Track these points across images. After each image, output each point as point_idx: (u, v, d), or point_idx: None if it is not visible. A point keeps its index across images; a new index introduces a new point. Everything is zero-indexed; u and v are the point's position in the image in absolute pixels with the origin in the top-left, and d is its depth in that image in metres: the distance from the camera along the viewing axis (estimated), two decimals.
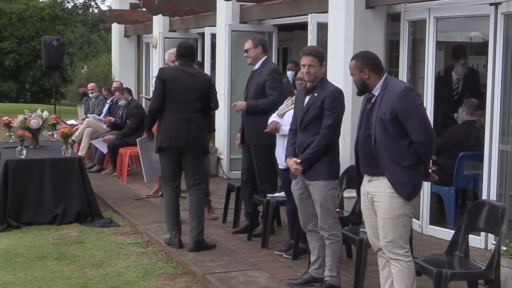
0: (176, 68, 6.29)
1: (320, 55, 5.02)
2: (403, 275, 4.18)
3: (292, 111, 5.57)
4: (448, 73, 7.55)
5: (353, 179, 4.66)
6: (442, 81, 7.32)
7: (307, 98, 5.03)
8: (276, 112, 5.95)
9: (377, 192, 4.21)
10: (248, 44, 6.48)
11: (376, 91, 4.23)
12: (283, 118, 5.75)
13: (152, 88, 12.17)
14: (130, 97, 10.72)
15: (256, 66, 6.49)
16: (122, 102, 10.65)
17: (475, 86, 7.36)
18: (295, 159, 4.98)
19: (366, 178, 4.33)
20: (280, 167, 5.86)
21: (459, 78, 7.38)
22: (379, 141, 4.12)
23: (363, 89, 4.29)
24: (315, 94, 4.98)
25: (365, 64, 4.25)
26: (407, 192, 4.11)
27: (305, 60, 4.98)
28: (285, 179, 5.84)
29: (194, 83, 6.14)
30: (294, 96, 5.76)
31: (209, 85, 6.38)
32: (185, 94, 6.10)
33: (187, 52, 6.27)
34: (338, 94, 4.97)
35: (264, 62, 6.46)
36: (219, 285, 5.19)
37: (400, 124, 4.08)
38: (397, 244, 4.17)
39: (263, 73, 6.38)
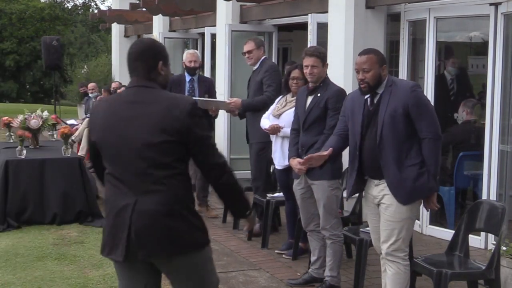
0: None
1: (322, 55, 5.03)
2: (399, 277, 4.14)
3: (288, 111, 5.57)
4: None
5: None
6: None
7: (310, 98, 5.03)
8: (269, 112, 5.90)
9: (385, 194, 4.12)
10: (250, 46, 6.55)
11: (380, 89, 4.11)
12: (279, 118, 5.71)
13: None
14: None
15: (256, 66, 6.57)
16: None
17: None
18: (298, 159, 4.96)
19: (372, 181, 4.22)
20: (277, 167, 5.84)
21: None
22: (386, 139, 4.01)
23: (376, 85, 4.09)
24: (318, 94, 4.98)
25: (384, 60, 4.13)
26: (404, 195, 4.03)
27: (308, 61, 4.98)
28: (282, 180, 5.84)
29: None
30: (286, 96, 5.77)
31: None
32: None
33: None
34: (341, 94, 4.96)
35: (263, 61, 6.56)
36: (219, 285, 5.17)
37: (409, 121, 3.99)
38: (399, 247, 4.13)
39: (261, 71, 6.47)
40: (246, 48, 6.57)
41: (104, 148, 3.05)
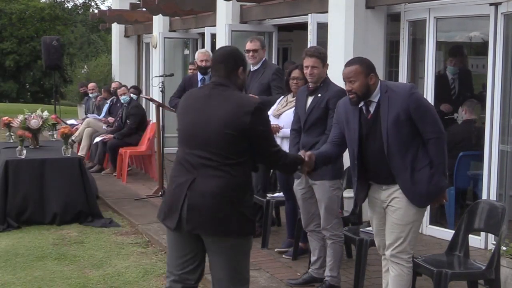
0: None
1: (323, 56, 5.03)
2: (402, 280, 4.13)
3: (288, 112, 5.58)
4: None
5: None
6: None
7: (310, 98, 5.03)
8: (270, 112, 5.89)
9: (394, 197, 4.08)
10: (256, 45, 6.44)
11: (375, 97, 4.05)
12: (279, 118, 5.72)
13: (152, 88, 12.20)
14: (131, 96, 10.65)
15: (257, 66, 6.51)
16: (125, 98, 10.45)
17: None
18: None
19: (380, 186, 4.16)
20: None
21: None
22: (393, 146, 3.97)
23: (365, 96, 4.03)
24: (319, 95, 4.98)
25: (370, 69, 4.06)
26: (420, 198, 4.04)
27: (308, 62, 4.97)
28: (283, 180, 5.84)
29: None
30: (287, 96, 5.77)
31: None
32: None
33: None
34: (342, 95, 4.92)
35: (265, 63, 6.51)
36: None
37: (412, 124, 3.97)
38: (405, 249, 4.11)
39: (266, 73, 6.42)
40: (252, 46, 6.45)
41: (180, 130, 3.60)
